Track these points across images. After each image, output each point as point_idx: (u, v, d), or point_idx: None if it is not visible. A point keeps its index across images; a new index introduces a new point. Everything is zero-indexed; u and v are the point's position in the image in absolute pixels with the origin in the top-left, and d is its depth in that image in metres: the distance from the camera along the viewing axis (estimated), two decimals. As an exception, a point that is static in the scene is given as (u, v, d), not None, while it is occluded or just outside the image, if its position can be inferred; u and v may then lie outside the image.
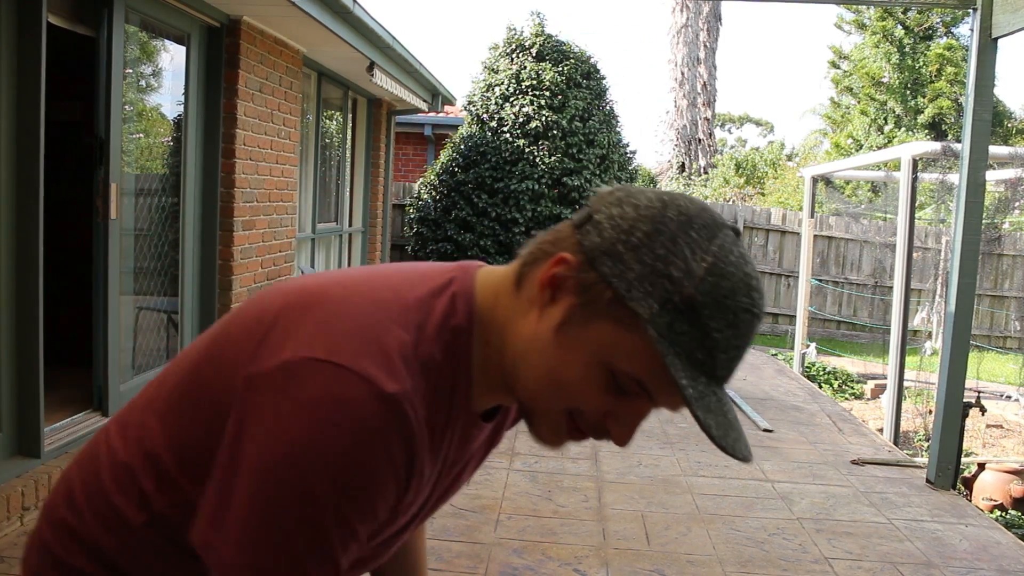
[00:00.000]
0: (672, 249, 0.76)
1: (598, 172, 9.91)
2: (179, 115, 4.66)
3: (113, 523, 0.90)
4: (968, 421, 4.64)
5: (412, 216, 10.35)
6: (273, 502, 0.76)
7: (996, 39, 4.10)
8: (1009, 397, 7.69)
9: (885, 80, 16.82)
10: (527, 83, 9.84)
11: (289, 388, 0.77)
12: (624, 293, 0.76)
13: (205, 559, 0.81)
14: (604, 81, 10.40)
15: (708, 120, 18.40)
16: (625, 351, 0.78)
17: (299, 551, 0.77)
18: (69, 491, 0.95)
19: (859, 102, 17.38)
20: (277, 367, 0.78)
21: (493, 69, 10.27)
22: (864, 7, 17.07)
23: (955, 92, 15.91)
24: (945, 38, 16.89)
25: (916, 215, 6.04)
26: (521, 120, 9.75)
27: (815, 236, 9.74)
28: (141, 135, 4.34)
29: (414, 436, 0.80)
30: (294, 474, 0.75)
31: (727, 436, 0.77)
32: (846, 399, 7.77)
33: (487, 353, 0.86)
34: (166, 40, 4.50)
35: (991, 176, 6.66)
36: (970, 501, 4.69)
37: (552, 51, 10.02)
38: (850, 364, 9.23)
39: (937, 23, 16.87)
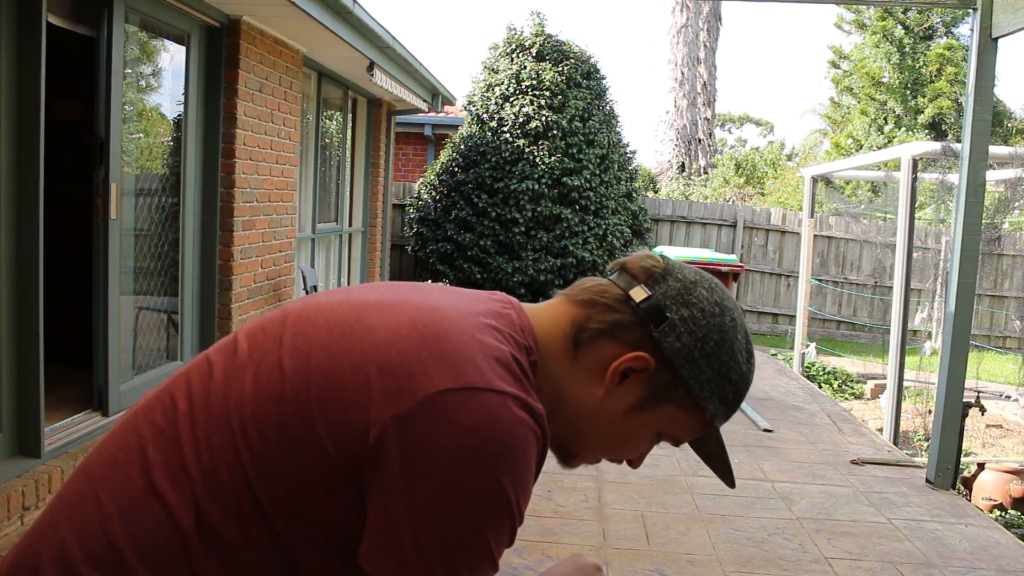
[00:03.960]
0: (731, 356, 0.96)
1: (598, 172, 9.91)
2: (179, 115, 4.66)
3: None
4: (968, 421, 4.64)
5: (412, 216, 10.35)
6: (462, 518, 0.82)
7: (996, 39, 4.10)
8: (1009, 397, 7.68)
9: (885, 80, 16.82)
10: (527, 83, 9.84)
11: (448, 416, 0.82)
12: (697, 393, 0.96)
13: None
14: (604, 81, 10.39)
15: (708, 120, 18.39)
16: (681, 424, 0.99)
17: (487, 542, 0.83)
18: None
19: (859, 102, 17.38)
20: (426, 402, 0.82)
21: (493, 69, 10.26)
22: (864, 7, 17.06)
23: (955, 92, 15.91)
24: (945, 38, 16.89)
25: (916, 215, 6.04)
26: (521, 120, 9.74)
27: (815, 236, 9.74)
28: (141, 135, 4.34)
29: (546, 431, 0.88)
30: (480, 476, 0.81)
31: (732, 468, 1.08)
32: (846, 399, 7.77)
33: (539, 395, 0.94)
34: (166, 40, 4.50)
35: (991, 176, 6.66)
36: (970, 501, 4.68)
37: (552, 51, 10.01)
38: (850, 364, 9.23)
39: (937, 23, 16.87)
